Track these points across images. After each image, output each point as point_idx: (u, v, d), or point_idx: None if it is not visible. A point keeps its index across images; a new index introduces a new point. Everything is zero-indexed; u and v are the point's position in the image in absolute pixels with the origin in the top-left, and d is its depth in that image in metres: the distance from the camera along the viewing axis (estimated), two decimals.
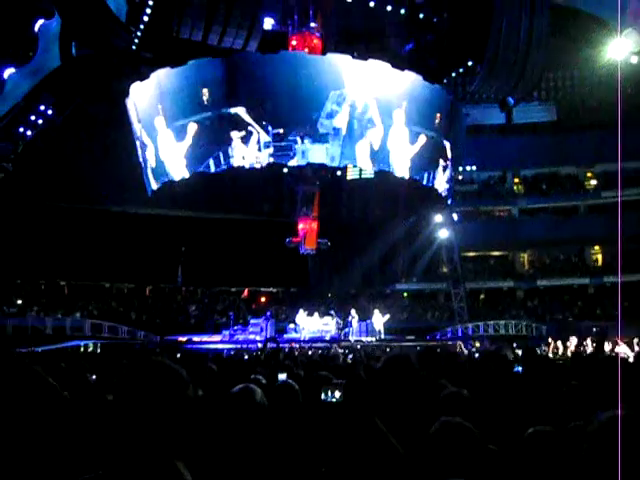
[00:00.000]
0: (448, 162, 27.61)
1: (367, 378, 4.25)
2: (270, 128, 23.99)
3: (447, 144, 27.02)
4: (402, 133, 25.04)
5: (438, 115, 26.04)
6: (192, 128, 24.85)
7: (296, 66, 24.00)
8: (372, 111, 24.47)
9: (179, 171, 25.60)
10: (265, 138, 24.07)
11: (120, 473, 1.87)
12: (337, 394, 3.23)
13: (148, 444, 1.92)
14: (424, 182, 26.95)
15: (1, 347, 21.69)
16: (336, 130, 24.17)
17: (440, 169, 27.29)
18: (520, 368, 7.38)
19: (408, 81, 24.90)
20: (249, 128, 24.14)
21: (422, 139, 25.58)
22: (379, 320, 33.39)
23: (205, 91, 24.60)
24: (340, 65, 24.02)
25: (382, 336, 32.80)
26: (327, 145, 24.24)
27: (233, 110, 24.29)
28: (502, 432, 3.31)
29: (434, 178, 27.30)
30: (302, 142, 24.07)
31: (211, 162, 24.74)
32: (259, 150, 24.22)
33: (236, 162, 24.42)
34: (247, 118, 24.11)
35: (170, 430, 1.96)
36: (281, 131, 24.01)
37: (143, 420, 1.94)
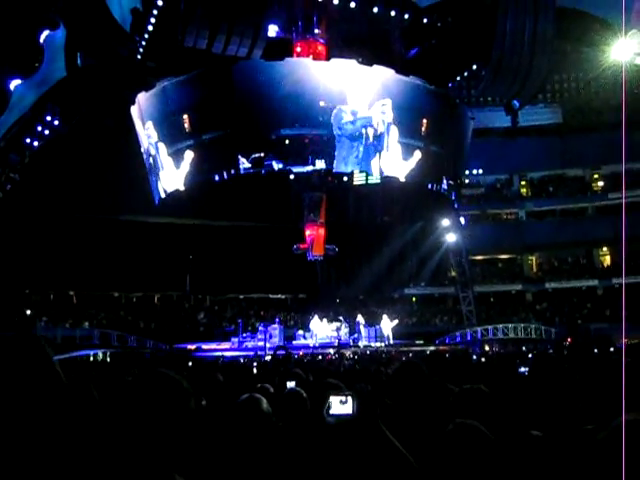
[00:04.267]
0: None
1: (376, 386, 4.22)
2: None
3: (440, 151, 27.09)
4: (396, 148, 25.36)
5: (424, 121, 26.01)
6: (189, 156, 25.45)
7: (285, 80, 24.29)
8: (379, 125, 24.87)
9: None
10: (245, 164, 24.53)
11: None
12: (345, 408, 3.18)
13: (148, 457, 1.90)
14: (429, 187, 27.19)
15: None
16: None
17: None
18: (525, 369, 7.35)
19: (384, 80, 25.01)
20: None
21: (417, 154, 25.78)
22: (387, 325, 33.33)
23: (185, 117, 25.09)
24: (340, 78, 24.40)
25: (391, 341, 32.72)
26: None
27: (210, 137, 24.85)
28: (509, 436, 3.28)
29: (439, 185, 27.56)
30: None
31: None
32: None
33: None
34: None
35: (170, 443, 1.93)
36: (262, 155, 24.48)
37: (143, 433, 1.91)
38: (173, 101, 25.69)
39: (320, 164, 25.02)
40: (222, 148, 24.94)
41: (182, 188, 26.27)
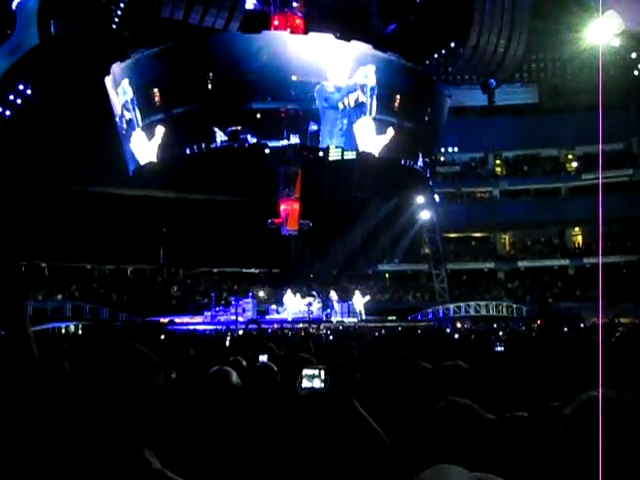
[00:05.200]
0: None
1: (348, 361, 4.24)
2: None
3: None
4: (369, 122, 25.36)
5: (397, 97, 26.00)
6: (160, 130, 25.31)
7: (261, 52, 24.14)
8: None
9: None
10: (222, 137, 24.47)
11: (86, 461, 1.84)
12: (318, 382, 3.19)
13: (115, 432, 1.89)
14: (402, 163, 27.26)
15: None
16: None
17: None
18: (501, 348, 7.42)
19: (357, 55, 24.98)
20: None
21: (390, 131, 25.76)
22: (360, 301, 33.48)
23: (156, 91, 24.92)
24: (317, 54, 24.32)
25: (363, 317, 32.88)
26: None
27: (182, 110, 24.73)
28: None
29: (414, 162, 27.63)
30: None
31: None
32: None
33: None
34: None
35: (138, 417, 1.92)
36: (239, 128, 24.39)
37: (110, 407, 1.90)
38: (144, 74, 25.48)
39: (295, 139, 24.96)
40: (194, 122, 24.86)
41: (155, 160, 26.12)
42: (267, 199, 32.20)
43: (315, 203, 31.86)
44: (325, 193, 32.60)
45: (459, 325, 32.86)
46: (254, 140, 24.68)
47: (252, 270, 45.48)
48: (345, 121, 24.79)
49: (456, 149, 47.45)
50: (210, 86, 24.24)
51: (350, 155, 27.08)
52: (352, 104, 24.72)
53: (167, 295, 40.94)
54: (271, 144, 25.35)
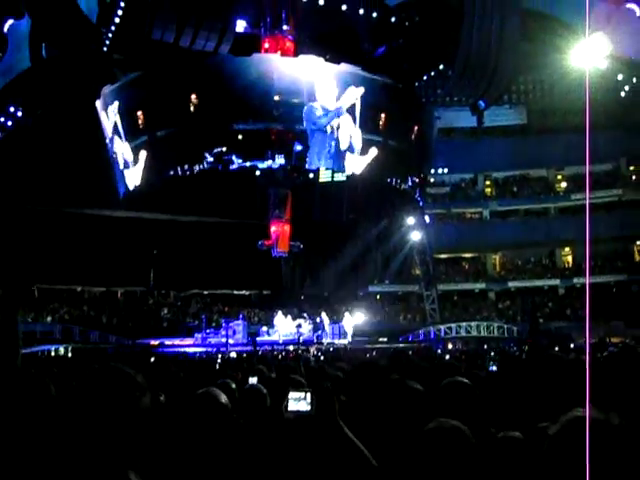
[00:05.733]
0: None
1: (335, 383, 4.23)
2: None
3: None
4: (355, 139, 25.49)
5: (382, 116, 26.11)
6: (143, 154, 25.47)
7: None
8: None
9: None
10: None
11: None
12: (304, 405, 3.18)
13: (100, 455, 1.88)
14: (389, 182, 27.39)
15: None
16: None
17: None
18: (494, 367, 7.44)
19: (337, 73, 25.15)
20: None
21: (373, 151, 25.87)
22: (349, 323, 33.47)
23: (139, 114, 25.06)
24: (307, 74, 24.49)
25: (349, 339, 32.79)
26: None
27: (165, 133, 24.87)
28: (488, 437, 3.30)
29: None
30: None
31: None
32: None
33: None
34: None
35: (123, 439, 1.92)
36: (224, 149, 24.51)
37: (94, 430, 1.89)
38: (130, 97, 25.62)
39: (280, 160, 25.04)
40: (177, 144, 24.97)
41: (140, 184, 26.25)
42: (257, 221, 32.15)
43: (306, 225, 31.85)
44: (315, 215, 32.53)
45: (450, 346, 32.81)
46: (239, 161, 24.74)
47: (243, 292, 45.40)
48: (333, 143, 24.90)
49: (446, 170, 47.64)
50: (192, 108, 24.37)
51: (340, 177, 27.10)
52: (340, 127, 24.85)
53: (157, 317, 40.77)
54: (260, 165, 25.38)
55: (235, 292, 44.83)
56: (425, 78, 32.83)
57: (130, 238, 36.10)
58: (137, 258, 37.24)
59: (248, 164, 24.99)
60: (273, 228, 29.89)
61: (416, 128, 28.09)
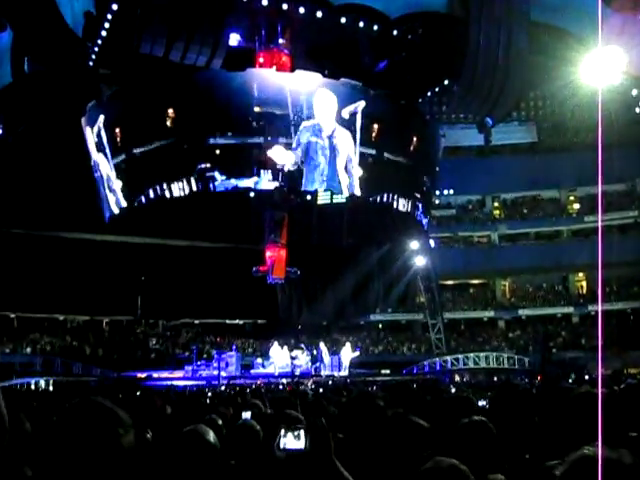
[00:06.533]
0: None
1: (331, 419, 4.20)
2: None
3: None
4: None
5: (375, 127, 26.17)
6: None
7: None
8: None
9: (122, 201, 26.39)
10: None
11: None
12: (297, 443, 3.15)
13: None
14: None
15: None
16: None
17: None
18: (484, 402, 7.41)
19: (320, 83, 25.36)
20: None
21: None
22: (347, 354, 33.30)
23: (117, 131, 25.24)
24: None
25: (346, 371, 32.60)
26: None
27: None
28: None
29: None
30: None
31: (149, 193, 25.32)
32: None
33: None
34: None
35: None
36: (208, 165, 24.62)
37: (72, 470, 1.87)
38: (110, 113, 25.80)
39: (266, 176, 25.04)
40: (157, 162, 25.05)
41: (125, 205, 26.36)
42: (252, 245, 32.12)
43: (303, 249, 31.81)
44: (313, 239, 32.46)
45: (457, 378, 32.72)
46: (222, 178, 24.73)
47: (236, 321, 45.26)
48: (326, 163, 24.99)
49: (452, 191, 47.73)
50: (169, 122, 24.48)
51: (339, 199, 27.09)
52: (338, 145, 24.96)
53: (145, 348, 40.65)
54: (242, 183, 25.31)
55: (228, 321, 44.70)
56: (429, 94, 32.93)
57: (116, 263, 36.00)
58: (124, 285, 37.11)
59: (235, 182, 24.90)
60: (268, 253, 29.86)
61: (415, 139, 28.04)
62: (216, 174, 24.56)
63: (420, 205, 29.40)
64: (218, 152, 24.60)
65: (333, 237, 32.00)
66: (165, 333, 43.24)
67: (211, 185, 24.75)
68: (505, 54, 26.27)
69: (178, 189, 24.86)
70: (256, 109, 24.29)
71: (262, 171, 24.96)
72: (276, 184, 25.29)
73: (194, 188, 24.75)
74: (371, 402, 3.50)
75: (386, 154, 26.61)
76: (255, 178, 25.09)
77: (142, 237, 36.81)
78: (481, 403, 7.42)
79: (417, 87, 31.01)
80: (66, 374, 31.16)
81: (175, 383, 26.94)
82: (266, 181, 25.27)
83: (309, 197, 27.29)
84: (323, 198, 27.61)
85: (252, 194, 26.56)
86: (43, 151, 31.27)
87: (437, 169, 31.25)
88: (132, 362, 34.90)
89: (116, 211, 27.00)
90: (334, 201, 27.56)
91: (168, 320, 43.32)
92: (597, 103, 33.59)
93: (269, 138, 24.79)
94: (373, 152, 26.17)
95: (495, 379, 29.33)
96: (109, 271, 35.91)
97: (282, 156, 24.72)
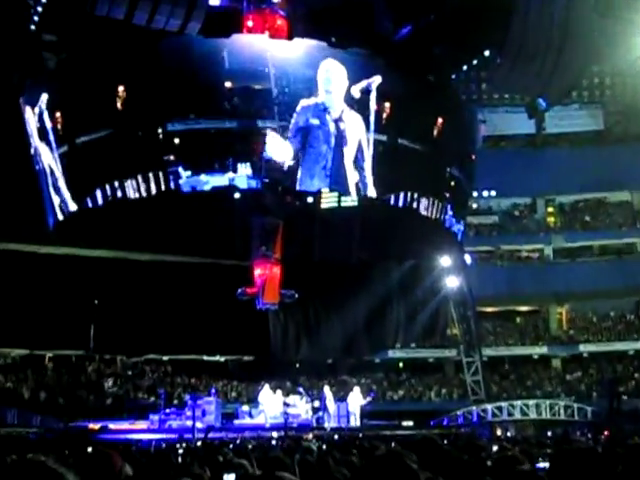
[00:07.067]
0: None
1: None
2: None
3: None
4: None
5: (386, 105, 26.06)
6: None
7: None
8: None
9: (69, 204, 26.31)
10: None
11: None
12: None
13: None
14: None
15: None
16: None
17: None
18: (543, 465, 7.39)
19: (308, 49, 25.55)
20: None
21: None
22: (357, 400, 33.16)
23: (58, 115, 25.28)
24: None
25: (353, 423, 32.47)
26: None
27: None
28: None
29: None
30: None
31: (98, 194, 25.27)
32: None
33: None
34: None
35: None
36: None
37: None
38: (54, 91, 25.86)
39: (244, 170, 24.86)
40: (105, 154, 24.99)
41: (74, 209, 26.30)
42: (237, 261, 32.16)
43: (302, 266, 31.87)
44: (315, 253, 32.51)
45: (499, 433, 32.67)
46: (187, 174, 24.60)
47: (216, 358, 45.25)
48: (331, 155, 24.92)
49: (494, 192, 47.68)
50: (119, 104, 24.46)
51: (350, 202, 27.03)
52: (345, 131, 24.98)
53: (99, 392, 40.65)
54: (215, 180, 25.19)
55: (205, 358, 44.70)
56: (465, 68, 32.88)
57: (63, 283, 35.94)
58: (72, 310, 37.02)
59: (206, 178, 24.78)
60: (258, 271, 29.81)
61: (440, 121, 27.84)
62: (180, 169, 24.43)
63: (449, 207, 29.17)
64: (177, 141, 24.49)
65: (340, 251, 32.01)
66: (125, 373, 43.22)
67: (173, 183, 24.54)
68: (563, 16, 26.27)
69: (132, 189, 24.70)
70: (227, 84, 24.25)
71: (239, 164, 24.84)
72: (255, 182, 25.11)
73: (152, 187, 24.59)
74: (401, 465, 3.43)
75: (400, 140, 26.52)
76: (230, 174, 24.90)
77: (95, 249, 36.74)
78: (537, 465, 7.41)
79: (449, 59, 30.94)
80: None
81: (138, 437, 26.94)
82: (244, 177, 25.06)
83: (310, 199, 27.25)
84: (328, 201, 27.57)
85: (237, 195, 26.50)
86: None
87: (473, 159, 31.03)
88: (82, 409, 34.88)
89: (61, 217, 26.92)
90: (342, 204, 27.54)
91: (128, 356, 43.27)
92: None
93: (245, 121, 24.74)
94: (384, 138, 26.12)
95: (549, 434, 29.26)
96: (54, 292, 35.83)
97: (280, 148, 24.62)
